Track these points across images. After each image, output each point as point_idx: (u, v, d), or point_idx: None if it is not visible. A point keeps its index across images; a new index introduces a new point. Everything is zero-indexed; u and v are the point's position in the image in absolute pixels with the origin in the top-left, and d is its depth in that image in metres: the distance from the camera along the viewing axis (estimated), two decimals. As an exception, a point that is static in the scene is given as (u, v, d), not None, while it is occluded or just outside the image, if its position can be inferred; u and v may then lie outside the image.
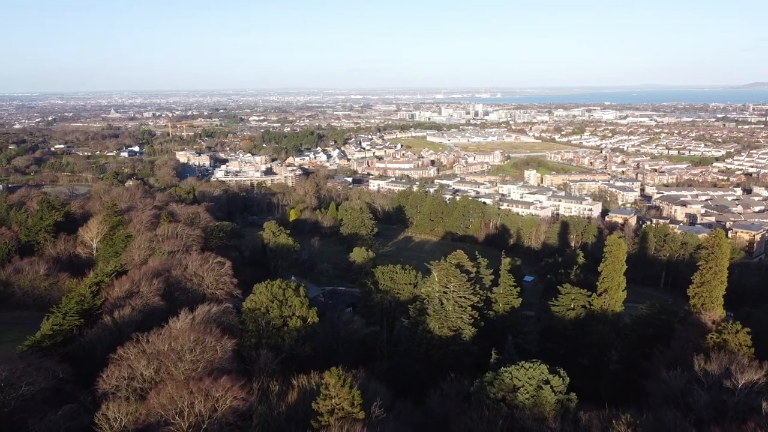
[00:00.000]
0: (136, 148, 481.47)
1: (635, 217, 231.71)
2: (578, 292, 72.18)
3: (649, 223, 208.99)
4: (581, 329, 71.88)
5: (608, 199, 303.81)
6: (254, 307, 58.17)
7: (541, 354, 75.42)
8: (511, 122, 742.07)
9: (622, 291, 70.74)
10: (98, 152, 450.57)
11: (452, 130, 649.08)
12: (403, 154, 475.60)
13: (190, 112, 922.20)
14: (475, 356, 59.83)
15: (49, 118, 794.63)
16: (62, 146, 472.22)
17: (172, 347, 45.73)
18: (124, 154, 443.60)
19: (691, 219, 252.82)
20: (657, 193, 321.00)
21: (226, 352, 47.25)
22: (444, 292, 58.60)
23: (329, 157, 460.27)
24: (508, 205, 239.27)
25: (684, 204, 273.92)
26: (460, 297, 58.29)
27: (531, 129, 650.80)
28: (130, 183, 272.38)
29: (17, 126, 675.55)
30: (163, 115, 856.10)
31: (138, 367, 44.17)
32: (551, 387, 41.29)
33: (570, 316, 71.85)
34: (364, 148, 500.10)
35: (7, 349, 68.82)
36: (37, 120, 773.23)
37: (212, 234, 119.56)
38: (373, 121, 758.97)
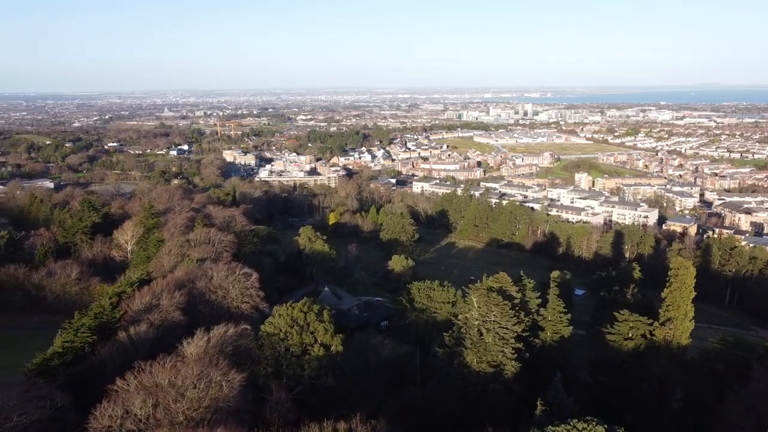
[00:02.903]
0: (185, 147, 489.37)
1: (695, 226, 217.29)
2: (637, 319, 63.99)
3: (711, 233, 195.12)
4: (640, 362, 63.70)
5: (665, 204, 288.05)
6: (272, 332, 52.92)
7: (593, 386, 67.73)
8: (561, 122, 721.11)
9: (690, 321, 62.23)
10: (149, 150, 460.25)
11: (500, 130, 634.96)
12: (449, 155, 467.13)
13: (240, 111, 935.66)
14: (518, 394, 52.93)
15: (106, 117, 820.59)
16: (115, 144, 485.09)
17: (173, 382, 40.81)
18: (173, 153, 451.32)
19: (757, 228, 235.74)
20: (718, 199, 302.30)
21: (233, 388, 42.05)
22: (484, 322, 51.89)
23: (374, 157, 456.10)
24: (557, 211, 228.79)
25: (749, 212, 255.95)
26: (502, 328, 51.46)
27: (582, 130, 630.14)
28: (175, 182, 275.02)
29: (76, 124, 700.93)
30: (214, 114, 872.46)
31: (134, 404, 39.39)
32: (610, 456, 34.33)
33: (627, 347, 63.79)
34: (409, 149, 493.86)
35: (28, 358, 65.90)
36: (95, 118, 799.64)
37: (246, 239, 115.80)
38: (419, 120, 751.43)
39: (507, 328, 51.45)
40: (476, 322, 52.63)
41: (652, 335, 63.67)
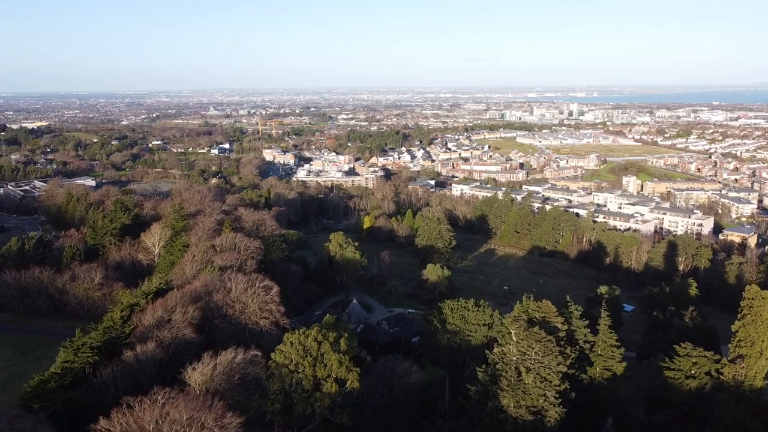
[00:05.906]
0: (227, 146, 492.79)
1: (755, 236, 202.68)
2: (701, 354, 55.74)
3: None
4: (705, 403, 55.46)
5: (720, 211, 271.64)
6: (282, 363, 47.22)
7: (649, 428, 59.85)
8: (608, 123, 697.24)
9: (766, 360, 53.65)
10: (191, 149, 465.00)
11: (544, 130, 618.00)
12: (491, 156, 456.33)
13: (282, 110, 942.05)
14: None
15: (153, 115, 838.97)
16: (159, 143, 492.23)
17: (159, 427, 35.50)
18: (215, 152, 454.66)
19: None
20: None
21: (228, 437, 36.48)
22: (523, 359, 44.95)
23: (413, 157, 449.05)
24: (604, 217, 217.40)
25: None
26: (545, 367, 44.43)
27: (630, 130, 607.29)
28: (214, 181, 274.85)
29: (124, 122, 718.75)
30: (257, 113, 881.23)
31: (114, 452, 34.24)
32: None
33: (690, 386, 55.63)
34: (449, 149, 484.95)
35: (45, 367, 62.39)
36: (142, 117, 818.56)
37: (274, 245, 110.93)
38: (461, 120, 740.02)
39: (550, 368, 44.38)
40: (514, 358, 45.72)
41: (719, 374, 55.35)
